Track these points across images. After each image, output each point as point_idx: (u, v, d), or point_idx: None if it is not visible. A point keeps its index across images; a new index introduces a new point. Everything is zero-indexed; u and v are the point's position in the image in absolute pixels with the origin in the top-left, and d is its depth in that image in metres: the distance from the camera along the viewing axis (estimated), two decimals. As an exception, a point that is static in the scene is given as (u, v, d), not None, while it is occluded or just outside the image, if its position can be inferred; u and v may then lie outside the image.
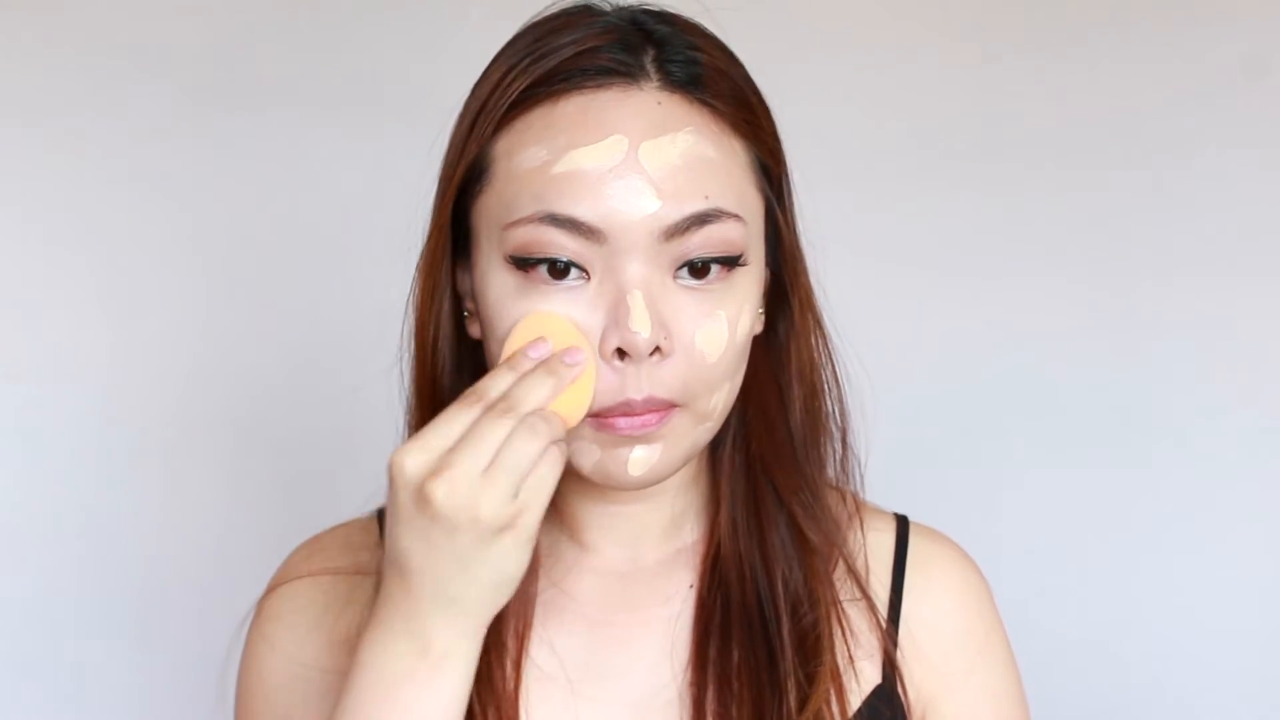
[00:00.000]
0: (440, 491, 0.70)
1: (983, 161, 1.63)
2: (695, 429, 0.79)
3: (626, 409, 0.76)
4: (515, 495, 0.71)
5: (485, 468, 0.71)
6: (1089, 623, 1.63)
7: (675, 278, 0.76)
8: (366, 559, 0.88)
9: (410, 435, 0.84)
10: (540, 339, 0.75)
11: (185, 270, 1.55)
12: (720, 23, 0.84)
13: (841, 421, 0.89)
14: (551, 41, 0.78)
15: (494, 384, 0.74)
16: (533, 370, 0.74)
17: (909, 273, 1.61)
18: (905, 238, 1.62)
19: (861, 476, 0.91)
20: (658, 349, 0.75)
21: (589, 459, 0.79)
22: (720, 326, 0.77)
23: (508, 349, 0.76)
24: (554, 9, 0.82)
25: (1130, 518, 1.63)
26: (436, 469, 0.71)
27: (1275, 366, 1.63)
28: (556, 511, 0.87)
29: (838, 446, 0.89)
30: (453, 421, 0.72)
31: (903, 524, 0.92)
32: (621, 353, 0.75)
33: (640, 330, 0.74)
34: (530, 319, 0.76)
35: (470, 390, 0.74)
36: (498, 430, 0.71)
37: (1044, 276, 1.63)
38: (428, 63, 1.54)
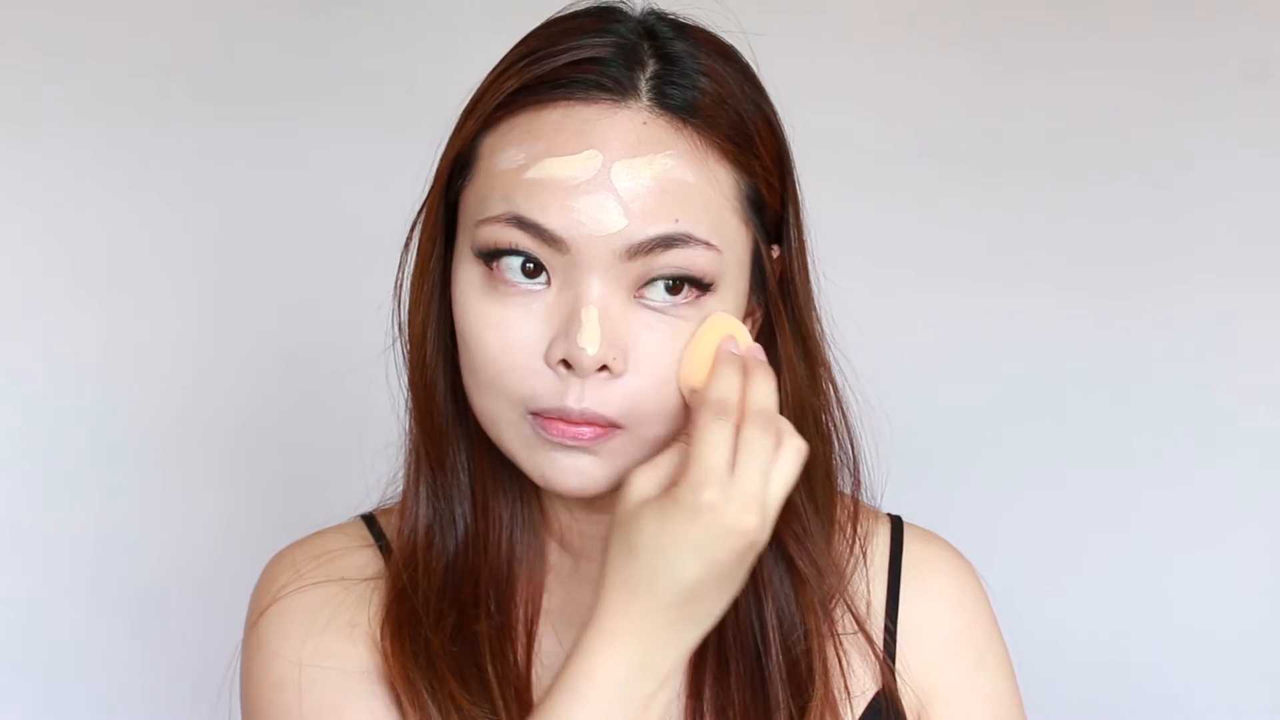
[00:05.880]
0: (719, 504, 0.71)
1: (983, 165, 1.63)
2: (636, 453, 0.78)
3: (563, 415, 0.75)
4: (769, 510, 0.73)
5: (756, 484, 0.72)
6: (1088, 625, 1.63)
7: (638, 298, 0.76)
8: (371, 556, 0.88)
9: (410, 421, 0.85)
10: (729, 337, 0.77)
11: (184, 272, 1.55)
12: (738, 34, 0.83)
13: (853, 454, 0.88)
14: (555, 44, 0.77)
15: (727, 390, 0.74)
16: (752, 371, 0.75)
17: (908, 278, 1.61)
18: (905, 243, 1.61)
19: (877, 500, 0.90)
20: (605, 367, 0.75)
21: (527, 453, 0.78)
22: (676, 354, 0.76)
23: (703, 347, 0.76)
24: (578, 6, 0.81)
25: (1132, 520, 1.63)
26: (723, 485, 0.71)
27: (1277, 367, 1.63)
28: (546, 522, 0.87)
29: (848, 476, 0.88)
30: (719, 439, 0.73)
31: (897, 526, 0.92)
32: (567, 363, 0.75)
33: (587, 347, 0.74)
34: (713, 319, 0.77)
35: (715, 402, 0.74)
36: (764, 442, 0.73)
37: (1045, 280, 1.63)
38: (427, 64, 1.54)
